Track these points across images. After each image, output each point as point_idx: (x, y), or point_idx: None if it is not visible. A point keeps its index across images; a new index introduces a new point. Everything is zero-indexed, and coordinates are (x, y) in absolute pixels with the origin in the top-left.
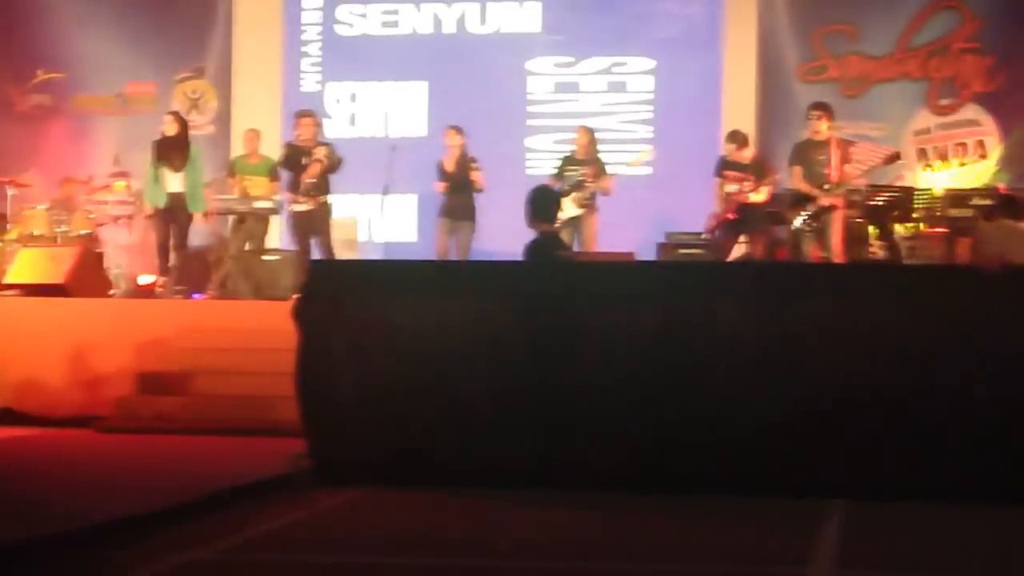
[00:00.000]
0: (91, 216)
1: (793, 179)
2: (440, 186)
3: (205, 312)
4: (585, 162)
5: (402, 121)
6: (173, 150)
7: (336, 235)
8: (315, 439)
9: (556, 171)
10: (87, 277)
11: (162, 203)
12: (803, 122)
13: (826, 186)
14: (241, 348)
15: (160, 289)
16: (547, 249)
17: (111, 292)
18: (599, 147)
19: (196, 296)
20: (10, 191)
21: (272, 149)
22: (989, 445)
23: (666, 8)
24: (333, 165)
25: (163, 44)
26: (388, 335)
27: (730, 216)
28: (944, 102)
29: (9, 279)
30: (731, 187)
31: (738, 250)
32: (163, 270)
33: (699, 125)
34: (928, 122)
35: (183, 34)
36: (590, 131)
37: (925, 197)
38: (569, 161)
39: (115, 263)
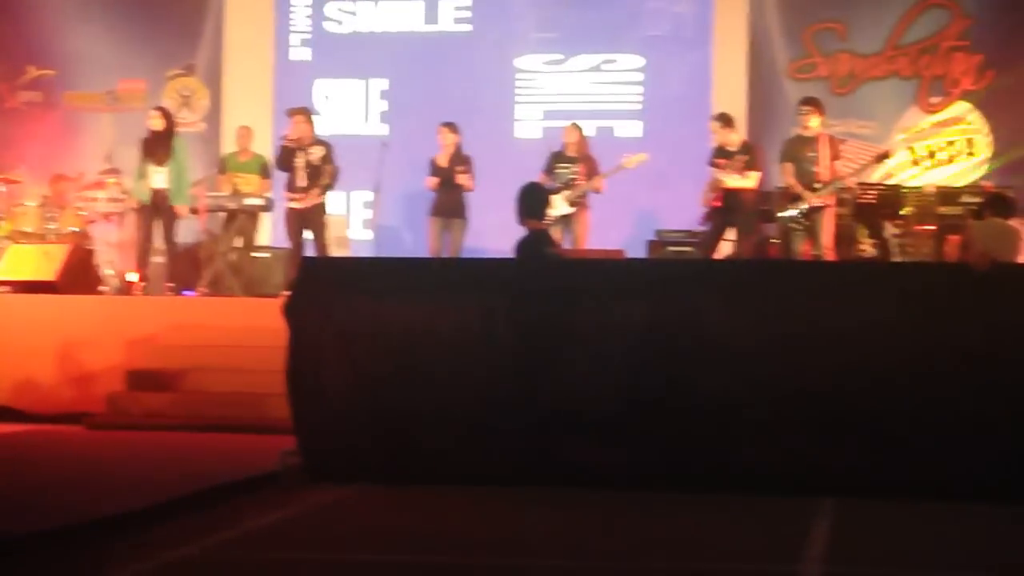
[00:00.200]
0: (82, 213)
1: (784, 176)
2: (431, 182)
3: (195, 309)
4: (576, 160)
5: (393, 118)
6: (157, 145)
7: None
8: (305, 436)
9: (547, 168)
10: (77, 274)
11: (146, 199)
12: (793, 119)
13: (816, 184)
14: (231, 345)
15: (142, 284)
16: (536, 246)
17: (101, 289)
18: (589, 145)
19: (187, 293)
20: (0, 188)
21: (263, 147)
22: (981, 443)
23: (656, 6)
24: (332, 181)
25: (154, 41)
26: (378, 332)
27: (716, 204)
28: (934, 100)
29: None
30: (720, 174)
31: (727, 247)
32: (142, 266)
33: (689, 123)
34: (918, 120)
35: (174, 31)
36: (580, 128)
37: (915, 195)
38: (560, 158)
39: (106, 260)
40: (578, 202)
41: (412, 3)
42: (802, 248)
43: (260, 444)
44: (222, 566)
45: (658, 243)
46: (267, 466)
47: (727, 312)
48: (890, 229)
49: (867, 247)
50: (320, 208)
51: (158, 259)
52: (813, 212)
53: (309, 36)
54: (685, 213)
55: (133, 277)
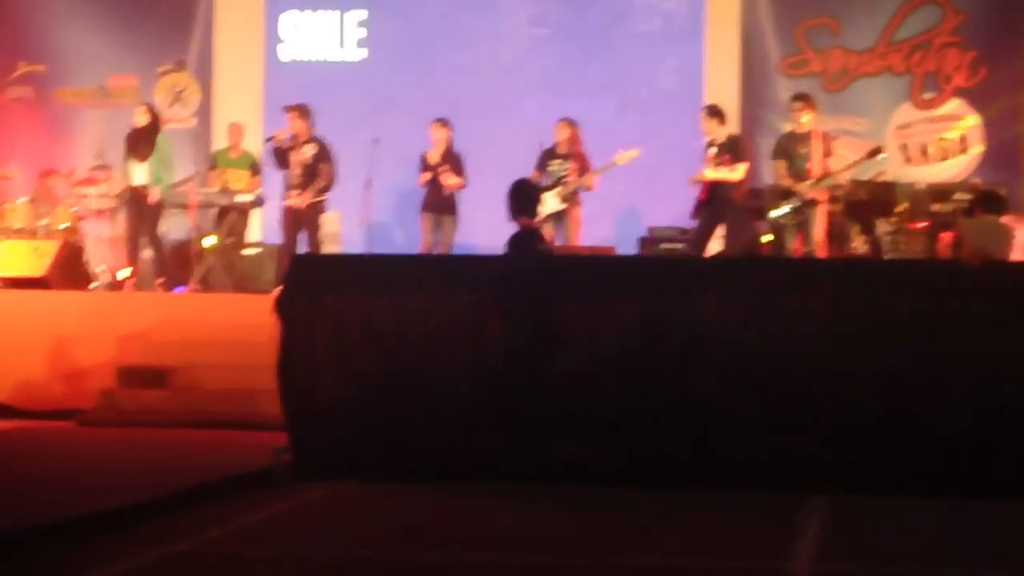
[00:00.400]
0: (72, 209)
1: (776, 173)
2: (423, 177)
3: (186, 305)
4: (567, 156)
5: (384, 113)
6: (140, 141)
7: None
8: (297, 432)
9: (538, 165)
10: (68, 270)
11: (126, 195)
12: (786, 115)
13: (808, 180)
14: (223, 341)
15: (131, 280)
16: (528, 243)
17: (92, 285)
18: (581, 141)
19: (178, 290)
20: None
21: (254, 143)
22: (971, 441)
23: (647, 2)
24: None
25: (145, 37)
26: (370, 329)
27: (702, 198)
28: (927, 96)
29: None
30: (708, 167)
31: (717, 243)
32: (132, 262)
33: (681, 119)
34: (910, 116)
35: (165, 27)
36: (571, 125)
37: (907, 192)
38: (551, 155)
39: (97, 256)
40: (569, 199)
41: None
42: (794, 245)
43: (252, 440)
44: (214, 562)
45: (649, 240)
46: (259, 462)
47: (719, 309)
48: (882, 226)
49: (859, 244)
50: (316, 208)
51: (147, 254)
52: (805, 208)
53: (299, 31)
54: (677, 210)
55: (125, 273)
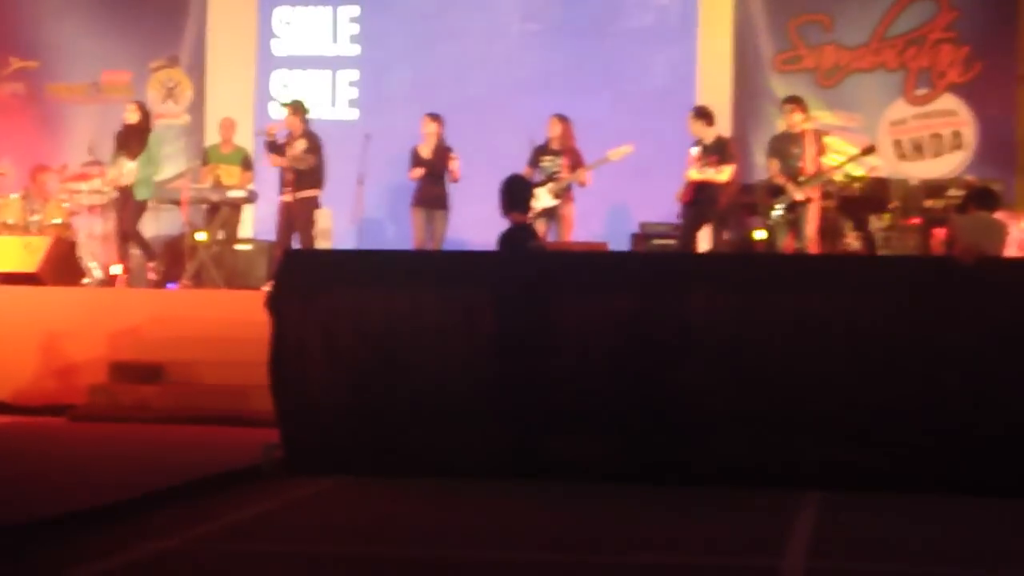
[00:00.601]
0: (65, 205)
1: (769, 172)
2: (415, 172)
3: (178, 301)
4: (560, 152)
5: (377, 108)
6: (132, 138)
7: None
8: (288, 429)
9: (531, 162)
10: (60, 266)
11: (115, 193)
12: (779, 111)
13: (801, 178)
14: (214, 338)
15: (124, 276)
16: (520, 239)
17: (84, 281)
18: (574, 137)
19: (170, 286)
20: None
21: (246, 139)
22: (965, 437)
23: None
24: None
25: (138, 33)
26: (361, 325)
27: (686, 199)
28: (920, 92)
29: None
30: (694, 168)
31: (707, 238)
32: (123, 258)
33: (673, 115)
34: (904, 112)
35: (158, 23)
36: (563, 121)
37: (900, 188)
38: (543, 151)
39: (89, 252)
40: (562, 195)
41: None
42: (786, 242)
43: (243, 436)
44: (205, 558)
45: (641, 236)
46: (250, 459)
47: (710, 305)
48: (875, 223)
49: (852, 241)
50: (306, 203)
51: (136, 251)
52: (798, 205)
53: (292, 25)
54: (669, 206)
55: (117, 269)
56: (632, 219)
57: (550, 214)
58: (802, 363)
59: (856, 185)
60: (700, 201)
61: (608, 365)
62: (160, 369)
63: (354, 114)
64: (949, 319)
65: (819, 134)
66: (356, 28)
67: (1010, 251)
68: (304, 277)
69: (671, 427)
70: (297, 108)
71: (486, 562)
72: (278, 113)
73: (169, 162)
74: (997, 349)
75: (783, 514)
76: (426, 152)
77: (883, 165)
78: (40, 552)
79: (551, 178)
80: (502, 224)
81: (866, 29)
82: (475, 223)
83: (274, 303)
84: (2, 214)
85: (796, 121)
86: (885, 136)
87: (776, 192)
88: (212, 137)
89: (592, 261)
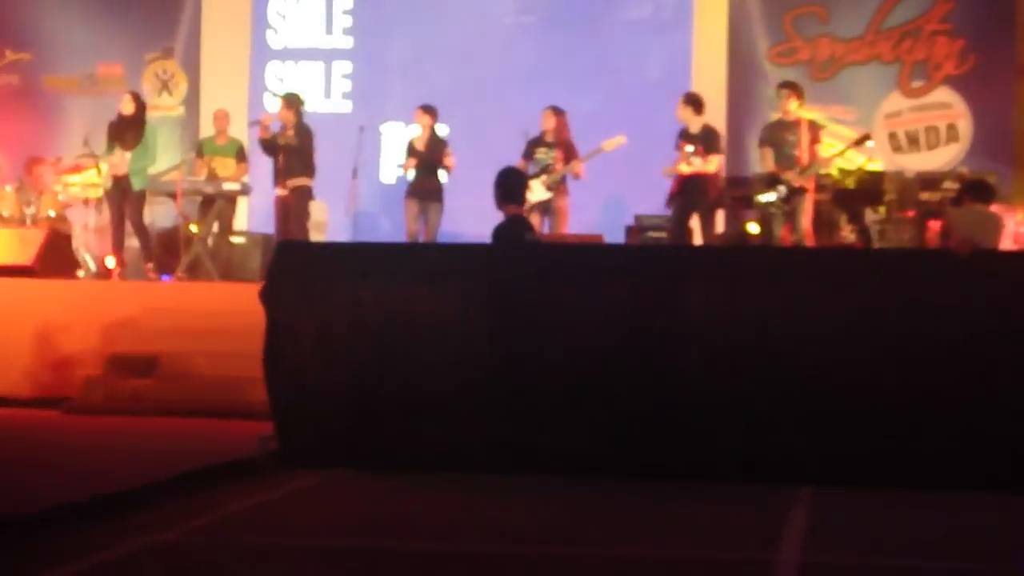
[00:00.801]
0: (60, 197)
1: (763, 160)
2: (409, 163)
3: (173, 294)
4: (554, 145)
5: (370, 100)
6: (127, 129)
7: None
8: (283, 421)
9: (525, 154)
10: (55, 258)
11: (109, 184)
12: (773, 104)
13: (796, 168)
14: (209, 330)
15: (118, 269)
16: (515, 231)
17: (79, 274)
18: (568, 129)
19: (164, 278)
20: None
21: (240, 131)
22: (962, 430)
23: None
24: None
25: (132, 24)
26: (356, 317)
27: (675, 190)
28: (915, 84)
29: None
30: (680, 156)
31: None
32: (118, 250)
33: (668, 107)
34: (899, 105)
35: (152, 14)
36: (558, 113)
37: (896, 180)
38: (538, 143)
39: (83, 245)
40: (556, 187)
41: None
42: (782, 234)
43: (238, 429)
44: (199, 551)
45: (636, 228)
46: (245, 451)
47: (706, 297)
48: (871, 215)
49: (848, 233)
50: (298, 192)
51: (135, 243)
52: (793, 196)
53: (286, 17)
54: (664, 198)
55: (111, 262)
56: (627, 211)
57: (544, 207)
58: (796, 355)
59: (851, 178)
60: (687, 192)
61: (602, 357)
62: (155, 362)
63: (348, 106)
64: (946, 311)
65: (814, 123)
66: (350, 20)
67: (1005, 244)
68: (299, 269)
69: (667, 420)
70: (291, 101)
71: (482, 554)
72: (273, 105)
73: (163, 154)
74: (995, 342)
75: (778, 507)
76: (420, 144)
77: (878, 151)
78: (35, 545)
79: (545, 170)
80: (497, 216)
81: (861, 21)
82: (470, 215)
83: (269, 295)
84: None
85: (791, 108)
86: (880, 129)
87: (770, 182)
88: (207, 129)
89: (587, 253)
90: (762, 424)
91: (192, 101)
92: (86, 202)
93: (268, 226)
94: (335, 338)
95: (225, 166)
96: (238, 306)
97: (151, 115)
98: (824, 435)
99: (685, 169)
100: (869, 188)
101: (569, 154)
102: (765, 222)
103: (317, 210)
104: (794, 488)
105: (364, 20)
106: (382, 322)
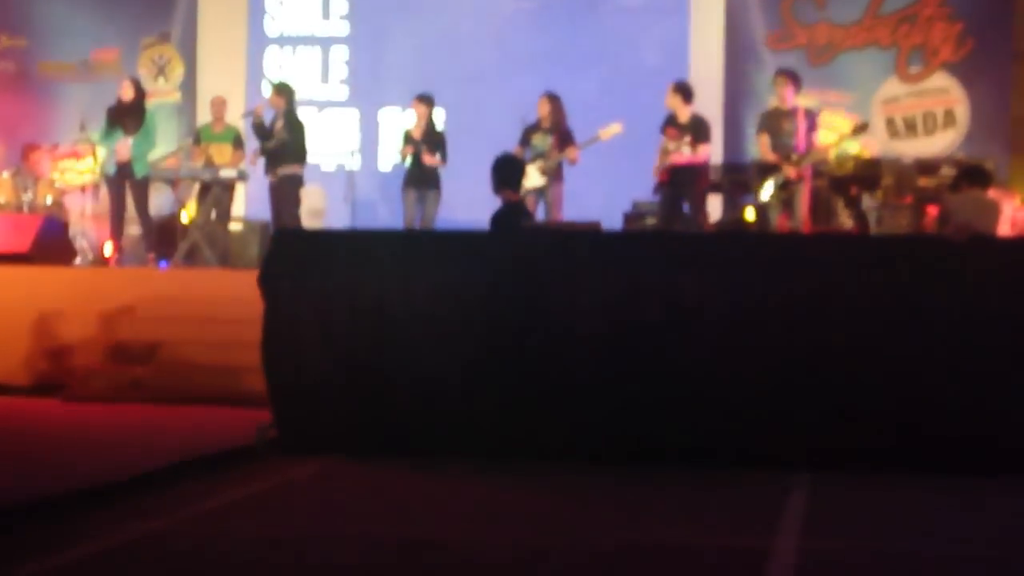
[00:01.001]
0: (56, 184)
1: (760, 148)
2: (405, 151)
3: (171, 281)
4: (550, 131)
5: (367, 86)
6: (127, 115)
7: (302, 205)
8: (281, 409)
9: (521, 141)
10: (52, 245)
11: (112, 170)
12: (771, 90)
13: (793, 156)
14: (208, 318)
15: (115, 256)
16: (512, 218)
17: (76, 261)
18: (565, 116)
19: (162, 265)
20: None
21: (237, 117)
22: (957, 416)
23: None
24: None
25: (128, 9)
26: (354, 304)
27: (663, 179)
28: (913, 70)
29: None
30: (670, 145)
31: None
32: (117, 237)
33: (665, 94)
34: (896, 91)
35: None
36: (553, 99)
37: (893, 166)
38: (533, 130)
39: (80, 231)
40: (552, 173)
41: None
42: (779, 221)
43: (237, 417)
44: (198, 539)
45: (634, 215)
46: (243, 439)
47: (703, 284)
48: (868, 201)
49: (845, 220)
50: (288, 180)
51: (133, 230)
52: (790, 184)
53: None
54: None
55: (109, 248)
56: (625, 197)
57: (539, 193)
58: (792, 342)
59: (849, 165)
60: (675, 183)
61: (600, 344)
62: (152, 349)
63: (345, 92)
64: (943, 298)
65: (811, 110)
66: (347, 6)
67: (1003, 229)
68: (296, 256)
69: (663, 406)
70: (281, 90)
71: (480, 541)
72: (267, 93)
73: (160, 140)
74: (989, 328)
75: (775, 493)
76: (417, 133)
77: (875, 142)
78: (32, 533)
79: (541, 157)
80: (494, 203)
81: (859, 6)
82: (467, 202)
83: (266, 282)
84: None
85: (787, 95)
86: (878, 114)
87: (767, 170)
88: (203, 115)
89: (585, 240)
90: (758, 409)
91: (188, 87)
92: (83, 189)
93: (266, 213)
94: (333, 325)
95: (222, 153)
96: (237, 293)
97: (147, 101)
98: (821, 420)
99: (671, 148)
100: (866, 174)
101: (565, 141)
102: (761, 210)
103: (315, 197)
104: (792, 474)
105: (361, 6)
106: (380, 309)
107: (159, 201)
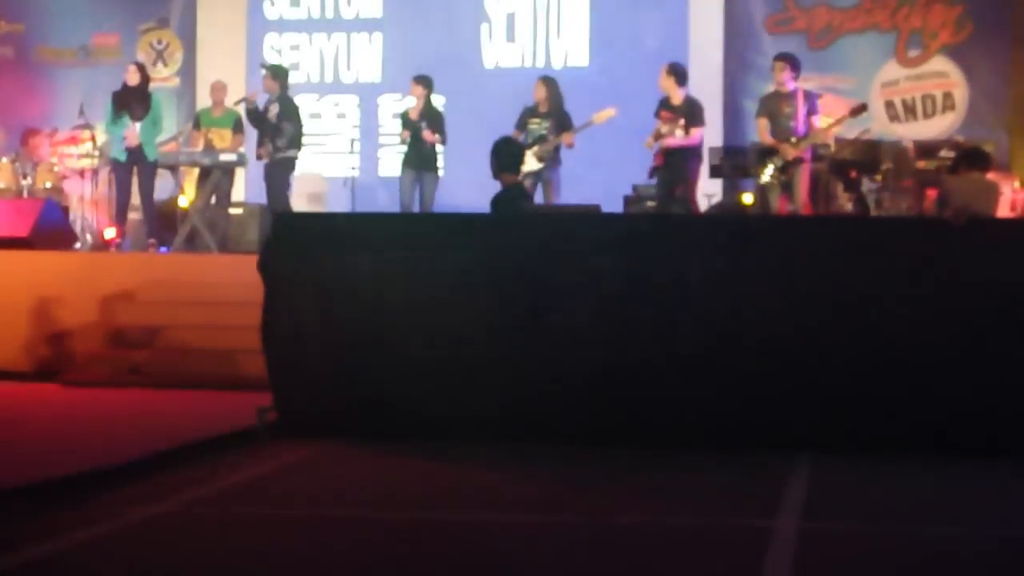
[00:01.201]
0: (56, 169)
1: (759, 131)
2: (404, 135)
3: (171, 266)
4: (547, 115)
5: (362, 70)
6: (133, 100)
7: (302, 189)
8: (281, 392)
9: (518, 124)
10: (51, 230)
11: (123, 157)
12: (770, 74)
13: (793, 139)
14: (207, 302)
15: (117, 240)
16: (511, 201)
17: (76, 246)
18: (562, 100)
19: (162, 250)
20: None
21: (233, 103)
22: (959, 398)
23: None
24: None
25: None
26: (354, 288)
27: (658, 163)
28: (912, 53)
29: None
30: (663, 128)
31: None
32: (120, 222)
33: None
34: (896, 74)
35: None
36: (550, 83)
37: (892, 149)
38: (531, 113)
39: (80, 216)
40: (548, 157)
41: None
42: (778, 204)
43: (236, 401)
44: (198, 522)
45: (634, 198)
46: (243, 423)
47: (705, 266)
48: (868, 184)
49: (844, 202)
50: (282, 164)
51: (133, 215)
52: (789, 167)
53: None
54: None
55: (111, 233)
56: (625, 181)
57: (536, 176)
58: (793, 325)
59: (848, 148)
60: (670, 166)
61: (600, 326)
62: (152, 334)
63: (344, 76)
64: (945, 280)
65: (810, 94)
66: None
67: (1002, 211)
68: (296, 240)
69: (666, 389)
70: (276, 73)
71: (479, 524)
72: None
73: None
74: (993, 310)
75: (775, 475)
76: (415, 115)
77: (874, 124)
78: (34, 517)
79: (538, 141)
80: (494, 186)
81: None
82: (466, 186)
83: (266, 266)
84: None
85: (786, 79)
86: (877, 98)
87: (767, 153)
88: (203, 100)
89: (585, 223)
90: (760, 391)
91: (188, 72)
92: (82, 173)
93: (264, 197)
94: (332, 309)
95: (222, 137)
96: (237, 277)
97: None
98: (821, 402)
99: (664, 132)
100: (866, 157)
101: (562, 125)
102: (761, 192)
103: (315, 182)
104: (793, 455)
105: None
106: (379, 292)
107: (158, 186)
